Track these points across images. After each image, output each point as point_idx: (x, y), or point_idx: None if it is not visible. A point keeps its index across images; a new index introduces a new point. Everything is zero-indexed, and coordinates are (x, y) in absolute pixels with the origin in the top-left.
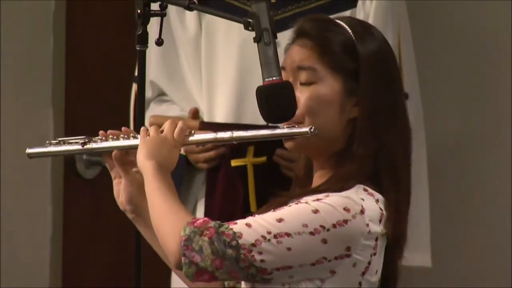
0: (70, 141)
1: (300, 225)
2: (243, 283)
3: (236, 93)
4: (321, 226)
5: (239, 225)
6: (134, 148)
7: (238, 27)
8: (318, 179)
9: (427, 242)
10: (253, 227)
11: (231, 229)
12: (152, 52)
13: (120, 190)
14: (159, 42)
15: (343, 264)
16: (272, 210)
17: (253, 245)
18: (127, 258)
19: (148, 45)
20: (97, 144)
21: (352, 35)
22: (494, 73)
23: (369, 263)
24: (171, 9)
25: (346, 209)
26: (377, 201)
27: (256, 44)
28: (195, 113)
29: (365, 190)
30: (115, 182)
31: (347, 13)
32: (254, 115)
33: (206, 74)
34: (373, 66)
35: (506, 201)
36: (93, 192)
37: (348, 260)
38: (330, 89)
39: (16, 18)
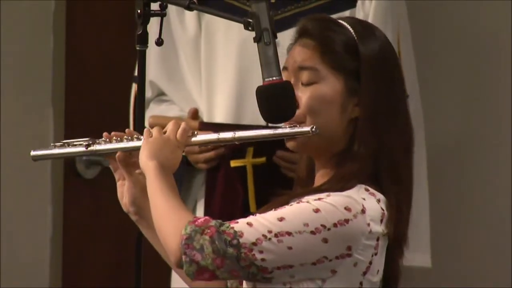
0: (74, 143)
1: (301, 224)
2: (244, 283)
3: (236, 93)
4: (322, 225)
5: (240, 224)
6: (138, 149)
7: (237, 27)
8: (319, 178)
9: (427, 242)
10: (254, 226)
11: (232, 228)
12: (152, 52)
13: (123, 191)
14: (159, 42)
15: (344, 264)
16: (273, 209)
17: (254, 244)
18: (127, 258)
19: (148, 45)
20: (101, 145)
21: (354, 35)
22: (494, 73)
23: (370, 263)
24: (171, 9)
25: (347, 209)
26: (378, 201)
27: (256, 44)
28: (195, 114)
29: (367, 190)
30: (118, 184)
31: (347, 13)
32: (253, 115)
33: (205, 74)
34: (374, 66)
35: (506, 201)
36: (93, 192)
37: (349, 259)
38: (331, 89)
39: (16, 18)
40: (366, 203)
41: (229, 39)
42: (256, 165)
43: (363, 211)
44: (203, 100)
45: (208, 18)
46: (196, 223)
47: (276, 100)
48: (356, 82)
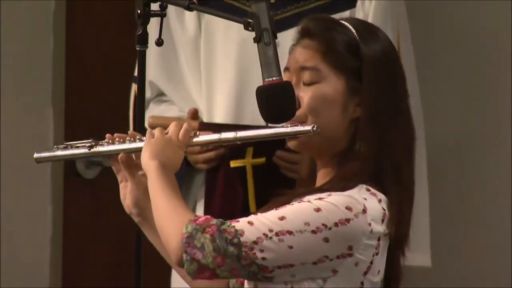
0: (77, 145)
1: (302, 224)
2: (246, 283)
3: (236, 93)
4: (323, 224)
5: (241, 223)
6: (140, 150)
7: (237, 27)
8: (321, 178)
9: (427, 242)
10: (255, 225)
11: (233, 226)
12: (152, 52)
13: (126, 193)
14: (159, 42)
15: (345, 264)
16: (274, 209)
17: (255, 242)
18: (127, 258)
19: (148, 45)
20: (104, 147)
21: (356, 35)
22: (494, 73)
23: (371, 263)
24: (171, 10)
25: (348, 208)
26: (379, 201)
27: (255, 44)
28: (194, 114)
29: (368, 190)
30: (121, 185)
31: (346, 13)
32: (253, 115)
33: (205, 74)
34: (376, 66)
35: (506, 201)
36: (93, 192)
37: (350, 259)
38: (333, 88)
39: (16, 18)
40: (367, 203)
41: (229, 39)
42: (256, 166)
43: (364, 210)
44: (202, 100)
45: (207, 18)
46: (197, 221)
47: (276, 100)
48: (357, 82)
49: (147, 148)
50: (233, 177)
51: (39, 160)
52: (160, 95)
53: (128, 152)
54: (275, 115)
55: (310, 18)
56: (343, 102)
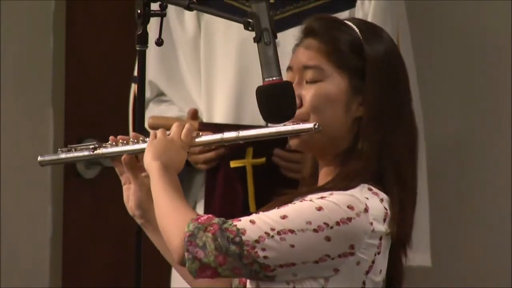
0: (81, 147)
1: (303, 222)
2: (248, 282)
3: (235, 93)
4: (324, 223)
5: (243, 222)
6: (143, 151)
7: (237, 27)
8: (323, 177)
9: (427, 242)
10: (256, 223)
11: (235, 225)
12: (151, 52)
13: (129, 195)
14: (159, 42)
15: (346, 263)
16: (276, 208)
17: (257, 241)
18: (127, 258)
19: (148, 45)
20: (107, 149)
21: (360, 35)
22: (494, 73)
23: (373, 262)
24: (170, 9)
25: (350, 207)
26: (381, 200)
27: (255, 44)
28: (194, 114)
29: (370, 189)
30: (125, 187)
31: (346, 13)
32: (253, 115)
33: (205, 74)
34: (379, 66)
35: (506, 201)
36: (93, 192)
37: (351, 258)
38: (335, 87)
39: (16, 18)
40: (369, 202)
41: (229, 39)
42: (256, 166)
43: (366, 210)
44: (202, 100)
45: (207, 18)
46: (199, 220)
47: (276, 100)
48: (360, 81)
49: (149, 149)
50: (233, 177)
51: (43, 164)
52: (160, 95)
53: (132, 153)
54: (275, 115)
55: (314, 17)
56: (346, 101)
